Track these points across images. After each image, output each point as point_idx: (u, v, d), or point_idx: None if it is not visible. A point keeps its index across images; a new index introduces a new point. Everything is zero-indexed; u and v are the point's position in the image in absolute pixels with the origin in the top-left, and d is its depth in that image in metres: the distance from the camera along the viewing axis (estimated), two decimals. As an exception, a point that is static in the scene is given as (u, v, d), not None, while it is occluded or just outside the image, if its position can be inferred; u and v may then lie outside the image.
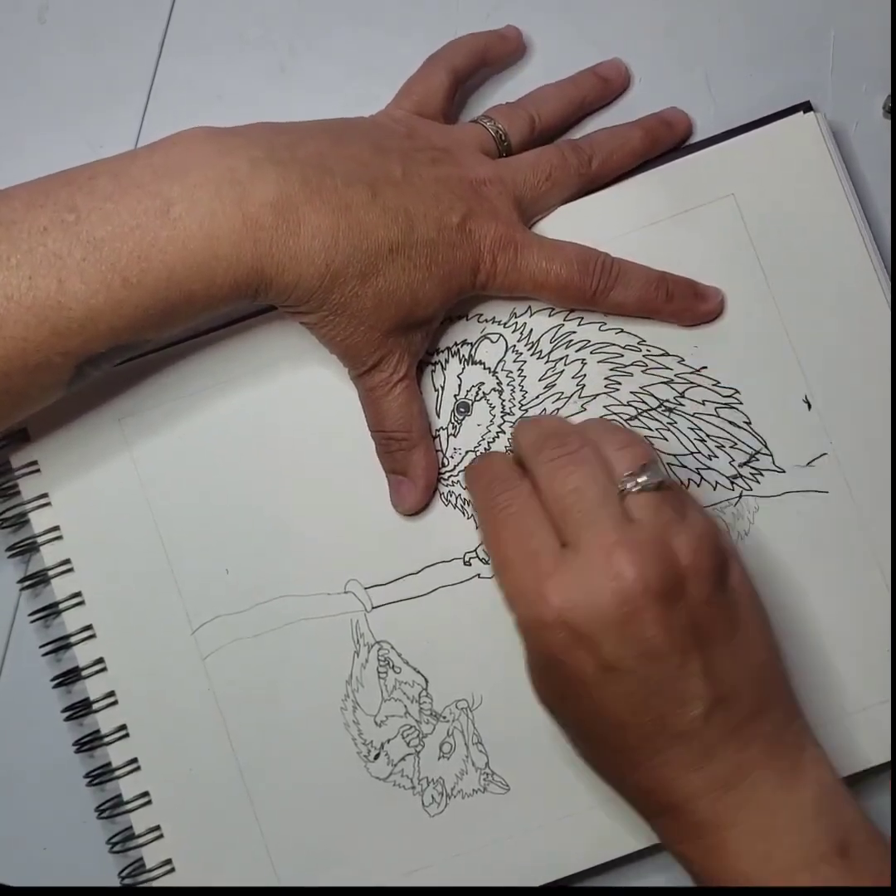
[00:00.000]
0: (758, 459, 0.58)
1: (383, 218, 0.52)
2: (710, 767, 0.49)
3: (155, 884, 0.57)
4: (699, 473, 0.58)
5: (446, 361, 0.58)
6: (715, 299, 0.58)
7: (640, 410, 0.58)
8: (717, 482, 0.58)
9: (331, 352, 0.56)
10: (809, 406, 0.58)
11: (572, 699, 0.50)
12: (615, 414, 0.58)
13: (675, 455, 0.58)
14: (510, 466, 0.53)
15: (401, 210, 0.53)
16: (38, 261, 0.49)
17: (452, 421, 0.58)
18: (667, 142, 0.60)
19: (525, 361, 0.58)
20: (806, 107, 0.59)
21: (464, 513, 0.58)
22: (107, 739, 0.58)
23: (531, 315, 0.58)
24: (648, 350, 0.58)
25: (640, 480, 0.50)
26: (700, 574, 0.49)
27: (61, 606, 0.58)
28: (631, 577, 0.48)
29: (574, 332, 0.58)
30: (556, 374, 0.58)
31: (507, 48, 0.61)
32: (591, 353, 0.58)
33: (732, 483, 0.58)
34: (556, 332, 0.58)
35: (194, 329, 0.57)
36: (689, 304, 0.57)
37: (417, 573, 0.58)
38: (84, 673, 0.58)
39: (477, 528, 0.57)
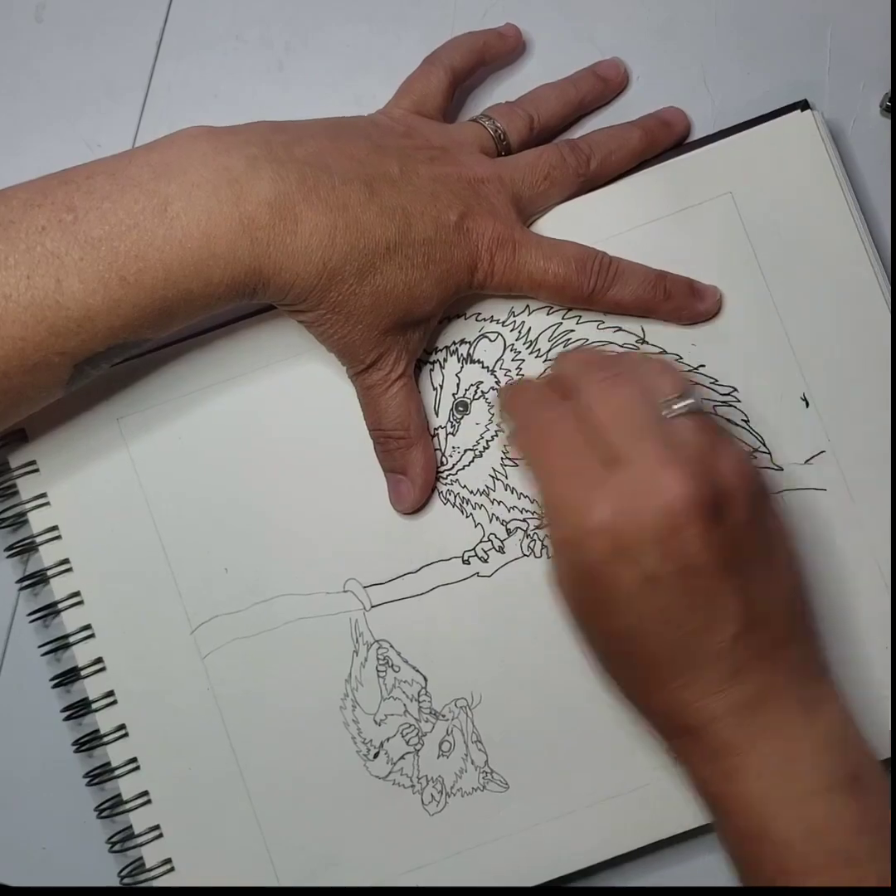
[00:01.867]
0: (756, 457, 0.58)
1: (380, 217, 0.52)
2: (736, 690, 0.49)
3: (155, 883, 0.57)
4: (698, 471, 0.58)
5: (445, 360, 0.58)
6: (712, 298, 0.58)
7: (638, 409, 0.58)
8: (715, 480, 0.58)
9: (328, 350, 0.56)
10: (807, 404, 0.58)
11: (607, 613, 0.50)
12: (614, 412, 0.58)
13: (673, 453, 0.58)
14: (549, 390, 0.53)
15: (398, 209, 0.53)
16: (36, 260, 0.49)
17: (451, 420, 0.58)
18: (665, 142, 0.60)
19: (523, 360, 0.58)
20: (803, 105, 0.59)
21: (462, 511, 0.58)
22: (106, 739, 0.58)
23: (529, 314, 0.58)
24: (646, 348, 0.58)
25: (681, 404, 0.50)
26: (742, 496, 0.49)
27: (60, 606, 0.58)
28: (678, 492, 0.48)
29: (572, 331, 0.58)
30: (555, 372, 0.58)
31: (506, 46, 0.61)
32: (589, 351, 0.58)
33: (731, 481, 0.58)
34: (555, 330, 0.58)
35: (193, 328, 0.57)
36: (687, 302, 0.57)
37: (416, 572, 0.58)
38: (83, 673, 0.58)
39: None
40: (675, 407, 0.50)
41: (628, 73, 0.61)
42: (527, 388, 0.55)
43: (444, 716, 0.58)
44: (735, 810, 0.49)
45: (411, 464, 0.57)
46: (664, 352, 0.58)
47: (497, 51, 0.61)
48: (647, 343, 0.58)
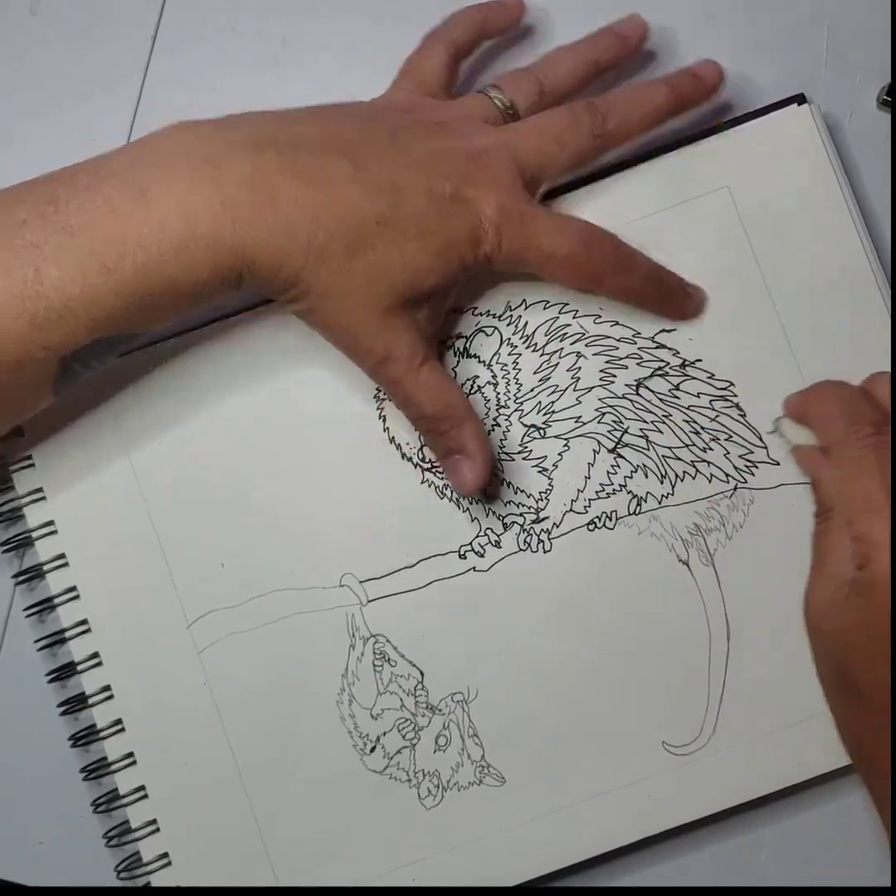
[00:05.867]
0: (752, 452, 0.58)
1: (367, 190, 0.51)
2: None
3: (152, 878, 0.57)
4: (694, 466, 0.58)
5: (441, 355, 0.58)
6: (700, 299, 0.58)
7: (635, 403, 0.58)
8: (712, 475, 0.58)
9: (336, 347, 0.54)
10: (804, 398, 0.58)
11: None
12: (610, 407, 0.58)
13: (670, 448, 0.58)
14: (873, 406, 0.51)
15: (387, 182, 0.51)
16: (15, 252, 0.49)
17: (447, 414, 0.58)
18: (694, 98, 0.57)
19: (520, 354, 0.58)
20: (800, 99, 0.59)
21: (459, 506, 0.58)
22: (102, 734, 0.58)
23: (526, 308, 0.58)
24: (643, 343, 0.58)
25: None
26: None
27: (56, 601, 0.58)
28: None
29: (568, 326, 0.58)
30: (551, 367, 0.58)
31: (510, 17, 0.59)
32: (585, 345, 0.58)
33: (727, 476, 0.58)
34: (551, 324, 0.58)
35: (189, 323, 0.57)
36: (679, 300, 0.57)
37: (413, 566, 0.58)
38: (79, 667, 0.58)
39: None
40: None
41: (647, 29, 0.59)
42: (844, 393, 0.53)
43: (440, 710, 0.58)
44: None
45: (466, 440, 0.54)
46: (661, 346, 0.58)
47: (500, 22, 0.59)
48: (642, 336, 0.58)
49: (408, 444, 0.58)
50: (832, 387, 0.55)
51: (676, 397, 0.58)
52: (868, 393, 0.53)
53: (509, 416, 0.58)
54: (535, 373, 0.58)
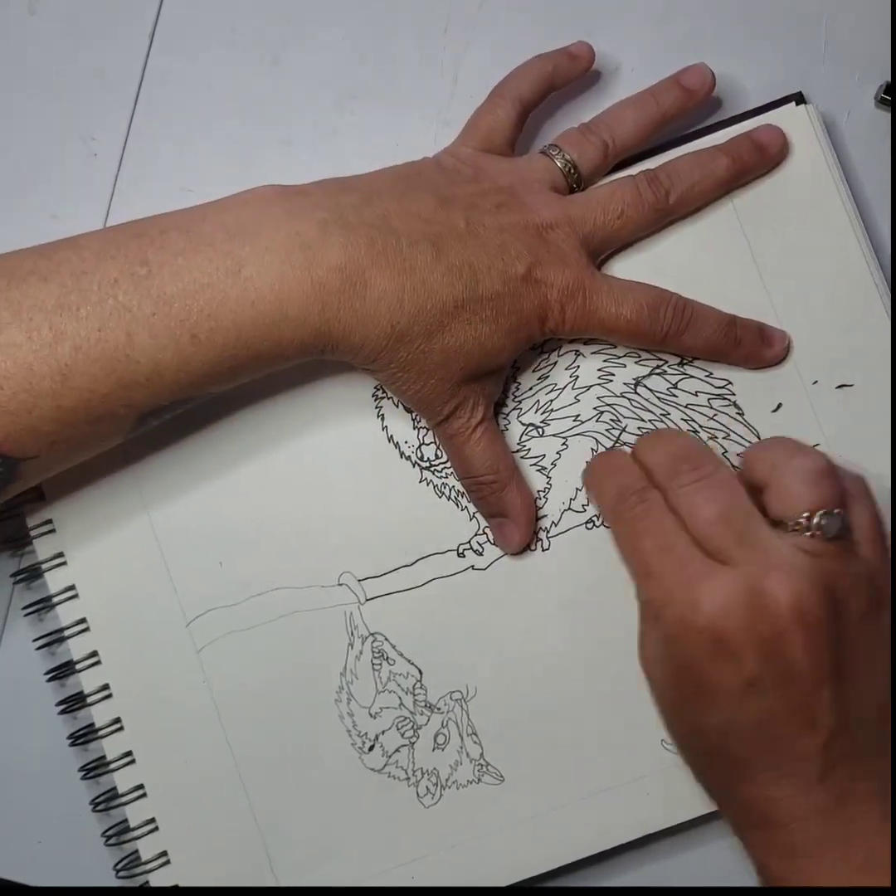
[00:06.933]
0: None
1: (448, 276, 0.52)
2: (819, 792, 0.49)
3: (151, 876, 0.57)
4: (692, 464, 0.58)
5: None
6: (780, 343, 0.57)
7: (633, 402, 0.58)
8: (710, 473, 0.58)
9: (405, 404, 0.57)
10: (803, 397, 0.58)
11: (701, 709, 0.50)
12: (609, 405, 0.58)
13: (668, 446, 0.58)
14: (638, 474, 0.53)
15: (465, 266, 0.52)
16: (107, 313, 0.49)
17: (446, 413, 0.58)
18: (755, 169, 0.58)
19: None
20: (798, 97, 0.58)
21: (457, 505, 0.58)
22: (101, 733, 0.58)
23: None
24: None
25: (817, 524, 0.49)
26: (851, 613, 0.49)
27: (55, 600, 0.58)
28: (785, 600, 0.48)
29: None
30: (550, 364, 0.58)
31: (578, 67, 0.58)
32: (584, 343, 0.58)
33: (726, 474, 0.58)
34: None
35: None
36: (756, 348, 0.57)
37: (411, 565, 0.58)
38: (78, 666, 0.58)
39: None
40: (809, 525, 0.49)
41: (714, 80, 0.58)
42: (615, 468, 0.54)
43: (439, 708, 0.58)
44: None
45: (510, 505, 0.56)
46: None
47: (568, 73, 0.58)
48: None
49: (406, 442, 0.58)
50: (602, 460, 0.56)
51: (674, 396, 0.58)
52: (637, 459, 0.54)
53: (508, 415, 0.58)
54: (533, 371, 0.58)
